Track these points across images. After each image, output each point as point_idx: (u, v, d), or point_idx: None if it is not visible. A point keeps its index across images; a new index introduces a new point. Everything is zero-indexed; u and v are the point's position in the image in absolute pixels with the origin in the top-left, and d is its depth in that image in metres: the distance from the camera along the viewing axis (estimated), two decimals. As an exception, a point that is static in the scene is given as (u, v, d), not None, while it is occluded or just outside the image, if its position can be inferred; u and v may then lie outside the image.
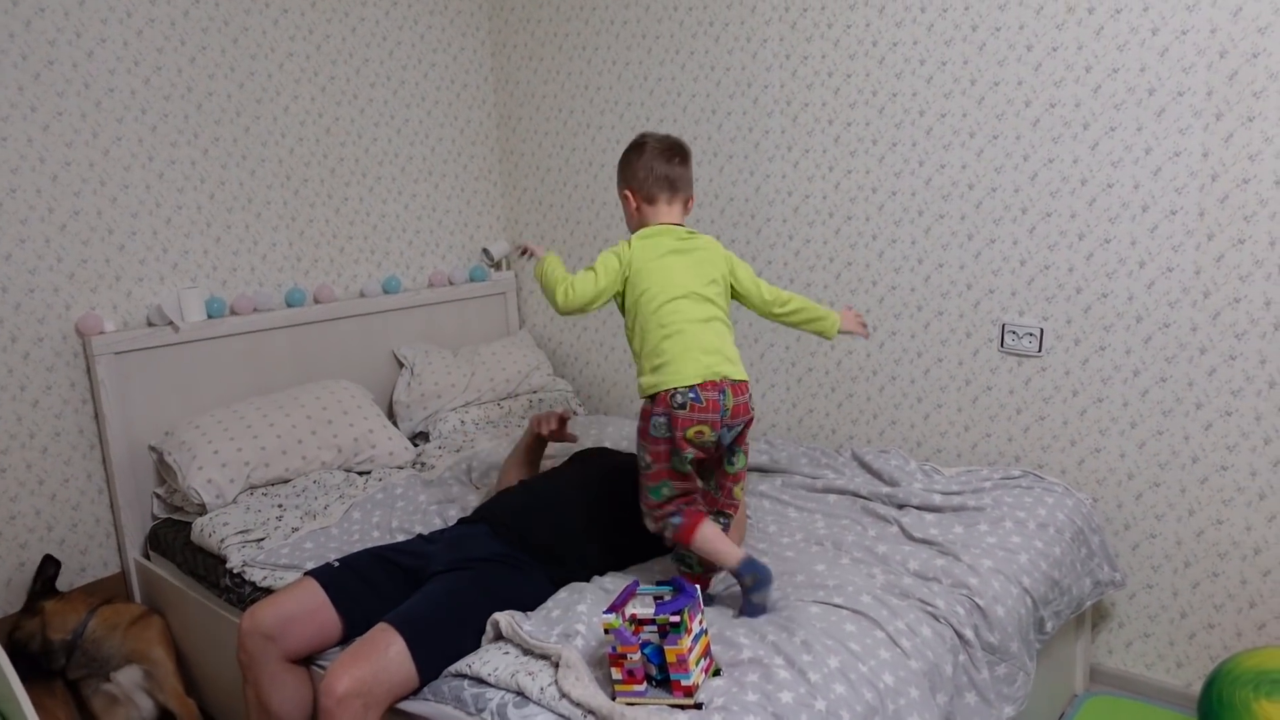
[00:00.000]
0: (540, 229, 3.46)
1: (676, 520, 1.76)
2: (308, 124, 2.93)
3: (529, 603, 1.82)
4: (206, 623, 2.31)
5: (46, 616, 2.25)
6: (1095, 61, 2.19)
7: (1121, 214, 2.21)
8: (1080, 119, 2.23)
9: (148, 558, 2.59)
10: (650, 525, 1.82)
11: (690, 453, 1.74)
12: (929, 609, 1.75)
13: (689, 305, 1.78)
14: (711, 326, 1.79)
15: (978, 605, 1.80)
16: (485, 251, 3.45)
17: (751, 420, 1.81)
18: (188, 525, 2.46)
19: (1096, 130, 2.21)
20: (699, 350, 1.75)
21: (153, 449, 2.55)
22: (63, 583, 2.52)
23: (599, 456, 2.29)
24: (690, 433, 1.72)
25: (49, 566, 2.34)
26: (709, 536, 1.74)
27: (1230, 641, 2.23)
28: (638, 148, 1.90)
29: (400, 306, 3.16)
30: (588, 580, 1.93)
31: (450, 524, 2.27)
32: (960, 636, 1.74)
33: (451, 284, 3.34)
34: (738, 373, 1.77)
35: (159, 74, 2.59)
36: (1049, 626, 1.99)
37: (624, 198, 1.92)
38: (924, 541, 2.03)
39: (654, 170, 1.87)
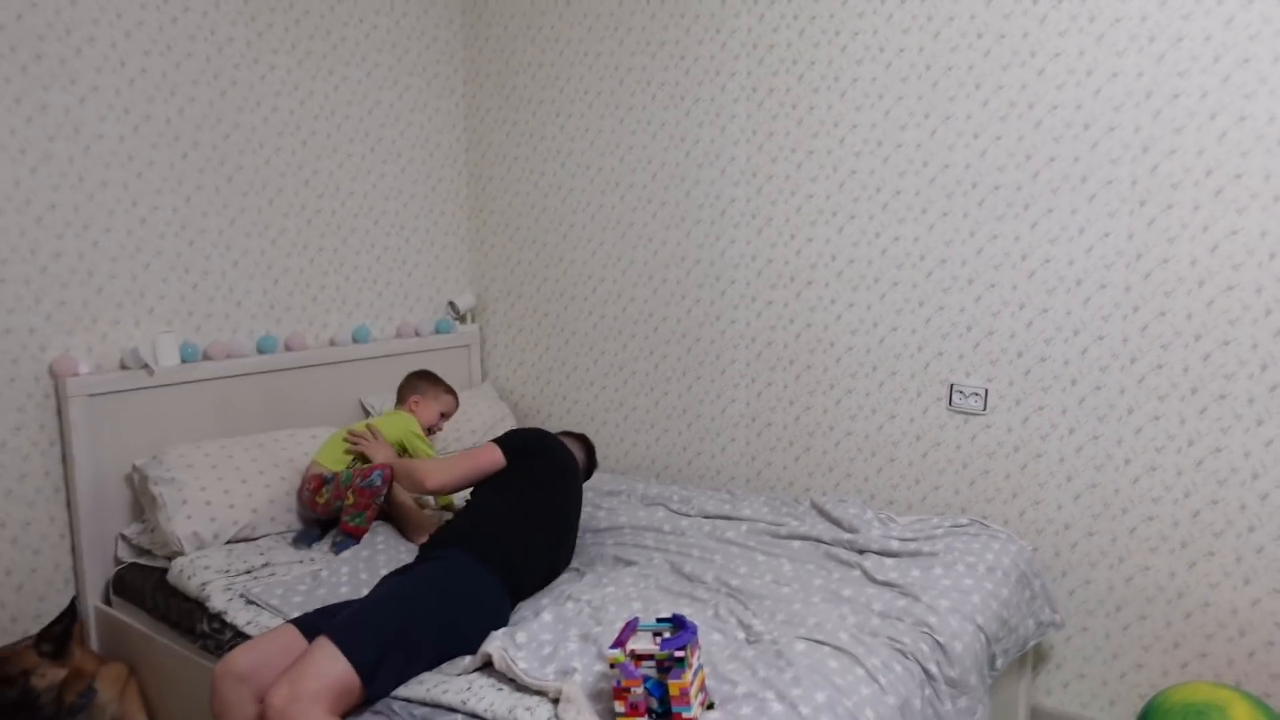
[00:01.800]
0: (507, 285, 3.57)
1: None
2: (288, 176, 3.00)
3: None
4: (176, 670, 2.28)
5: (72, 673, 2.19)
6: (1034, 150, 2.44)
7: (1058, 286, 2.45)
8: (1021, 200, 2.47)
9: (108, 603, 2.55)
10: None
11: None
12: (897, 646, 1.89)
13: None
14: None
15: (938, 642, 1.94)
16: (451, 305, 3.54)
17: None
18: (157, 569, 2.44)
19: (1036, 211, 2.46)
20: None
21: (136, 469, 2.52)
22: (17, 630, 2.46)
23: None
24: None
25: (69, 617, 2.24)
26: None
27: (1157, 680, 2.43)
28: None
29: (369, 356, 3.21)
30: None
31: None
32: (926, 672, 1.87)
33: (419, 335, 3.41)
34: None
35: (148, 122, 2.64)
36: (998, 663, 2.15)
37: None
38: (885, 584, 2.18)
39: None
